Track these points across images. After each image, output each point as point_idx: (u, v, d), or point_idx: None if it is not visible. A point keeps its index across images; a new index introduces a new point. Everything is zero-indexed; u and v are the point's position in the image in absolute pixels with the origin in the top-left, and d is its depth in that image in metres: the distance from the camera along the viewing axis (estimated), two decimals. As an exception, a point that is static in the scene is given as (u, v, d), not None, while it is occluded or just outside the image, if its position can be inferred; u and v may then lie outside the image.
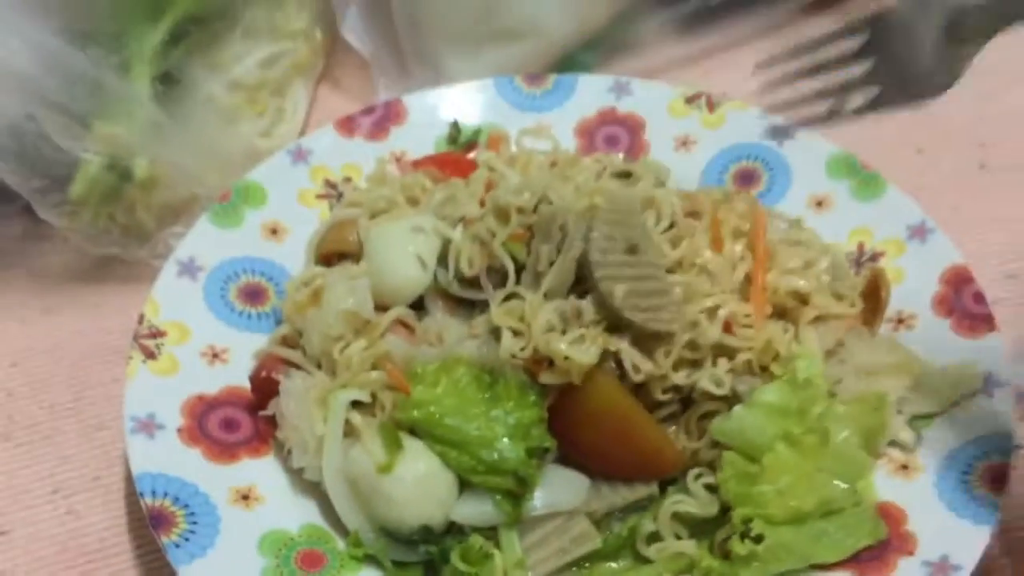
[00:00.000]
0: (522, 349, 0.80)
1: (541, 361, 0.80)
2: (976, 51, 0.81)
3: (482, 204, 0.91)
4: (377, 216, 0.96)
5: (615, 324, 0.80)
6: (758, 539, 0.75)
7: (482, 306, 0.87)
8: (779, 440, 0.78)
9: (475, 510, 0.80)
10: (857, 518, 0.79)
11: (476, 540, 0.78)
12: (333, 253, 0.95)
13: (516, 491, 0.79)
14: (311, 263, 0.96)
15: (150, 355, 0.89)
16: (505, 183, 0.93)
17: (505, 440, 0.79)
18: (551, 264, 0.82)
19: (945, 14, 0.81)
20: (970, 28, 0.80)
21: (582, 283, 0.82)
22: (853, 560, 0.78)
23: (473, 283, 0.87)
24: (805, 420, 0.80)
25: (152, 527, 0.77)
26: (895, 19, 0.86)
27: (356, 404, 0.84)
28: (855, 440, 0.82)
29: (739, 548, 0.75)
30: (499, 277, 0.86)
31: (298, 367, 0.88)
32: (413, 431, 0.82)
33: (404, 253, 0.89)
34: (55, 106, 0.96)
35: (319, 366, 0.88)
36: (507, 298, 0.83)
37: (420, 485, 0.79)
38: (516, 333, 0.81)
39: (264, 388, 0.88)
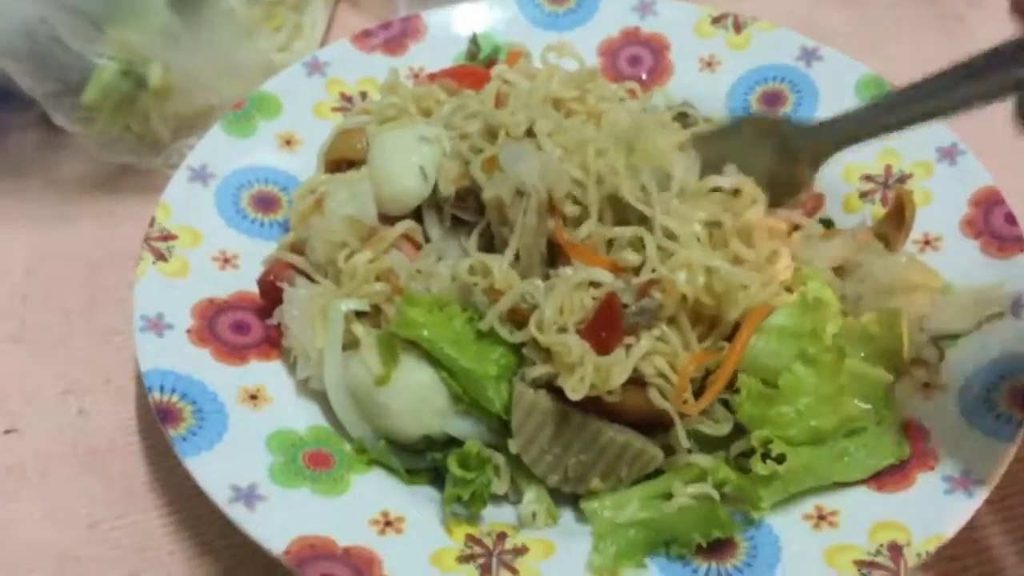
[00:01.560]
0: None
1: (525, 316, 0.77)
2: (815, 171, 0.85)
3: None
4: (386, 124, 0.94)
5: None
6: (779, 459, 0.73)
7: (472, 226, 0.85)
8: (795, 361, 0.76)
9: (468, 427, 0.79)
10: (879, 437, 0.77)
11: (473, 445, 0.77)
12: (341, 160, 0.94)
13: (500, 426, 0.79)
14: (319, 171, 0.95)
15: (160, 257, 0.88)
16: (514, 96, 0.90)
17: (492, 380, 0.77)
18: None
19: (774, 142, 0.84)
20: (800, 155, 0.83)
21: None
22: (873, 475, 0.76)
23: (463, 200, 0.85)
24: (820, 340, 0.77)
25: (160, 421, 0.77)
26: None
27: (358, 315, 0.83)
28: (873, 358, 0.80)
29: (760, 468, 0.73)
30: (477, 203, 0.83)
31: (304, 274, 0.87)
32: (412, 344, 0.80)
33: (406, 162, 0.86)
34: (69, 8, 0.94)
35: (325, 275, 0.87)
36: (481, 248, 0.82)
37: (418, 396, 0.78)
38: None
39: (271, 293, 0.87)
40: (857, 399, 0.78)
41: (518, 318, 0.76)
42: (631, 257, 0.77)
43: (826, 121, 0.84)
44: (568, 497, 0.79)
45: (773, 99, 1.04)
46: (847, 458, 0.75)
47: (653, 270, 0.75)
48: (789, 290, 0.81)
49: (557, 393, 0.76)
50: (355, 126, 0.95)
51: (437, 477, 0.80)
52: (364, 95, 1.05)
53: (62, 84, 0.98)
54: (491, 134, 0.85)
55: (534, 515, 0.77)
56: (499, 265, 0.77)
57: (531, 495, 0.78)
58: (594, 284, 0.76)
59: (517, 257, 0.78)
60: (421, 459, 0.80)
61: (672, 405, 0.75)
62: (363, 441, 0.79)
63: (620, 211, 0.79)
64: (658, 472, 0.79)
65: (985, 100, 0.69)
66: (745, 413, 0.75)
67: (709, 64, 1.07)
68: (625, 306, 0.74)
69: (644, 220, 0.78)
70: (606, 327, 0.73)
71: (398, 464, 0.78)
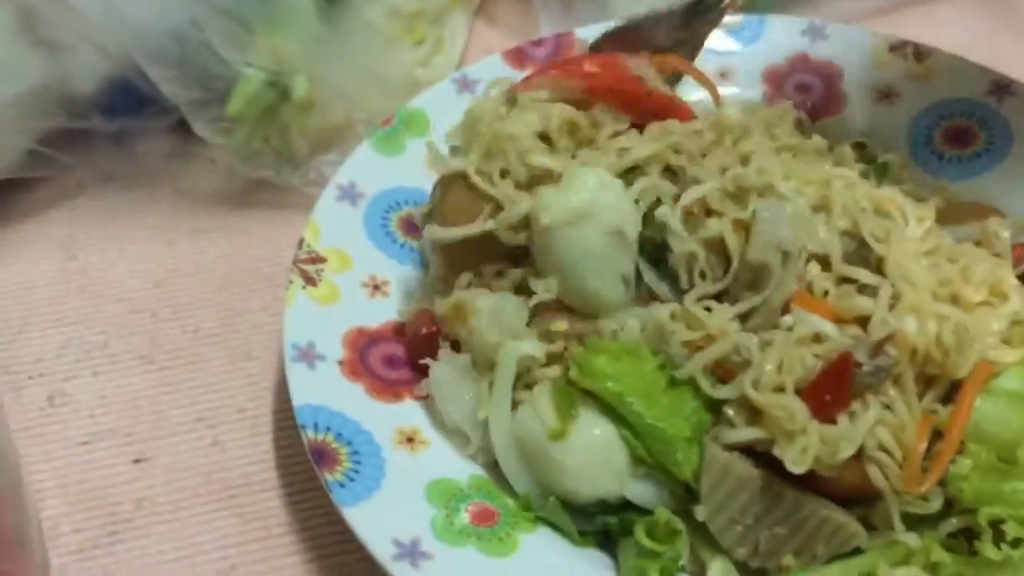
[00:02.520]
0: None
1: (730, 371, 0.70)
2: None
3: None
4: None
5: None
6: (1016, 543, 0.65)
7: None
8: None
9: (649, 492, 0.72)
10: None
11: (663, 514, 0.70)
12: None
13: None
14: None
15: (310, 281, 0.82)
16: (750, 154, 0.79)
17: (684, 442, 0.70)
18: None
19: None
20: None
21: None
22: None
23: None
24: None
25: (315, 463, 0.71)
26: None
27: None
28: None
29: (991, 553, 0.65)
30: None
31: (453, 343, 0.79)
32: (591, 396, 0.73)
33: (604, 271, 0.74)
34: (222, 10, 0.90)
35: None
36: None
37: (595, 455, 0.71)
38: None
39: (423, 349, 0.79)
40: None
41: (723, 373, 0.69)
42: (861, 304, 0.69)
43: None
44: (753, 571, 0.71)
45: (960, 136, 0.96)
46: (1087, 546, 0.66)
47: (885, 321, 0.67)
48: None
49: (754, 458, 0.68)
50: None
51: (606, 540, 0.73)
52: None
53: (207, 92, 0.94)
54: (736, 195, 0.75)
55: None
56: (723, 316, 0.69)
57: (717, 567, 0.70)
58: (817, 338, 0.68)
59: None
60: (591, 521, 0.72)
61: (895, 484, 0.66)
62: (529, 498, 0.72)
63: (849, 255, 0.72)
64: (855, 551, 0.71)
65: None
66: (971, 488, 0.67)
67: (887, 96, 1.00)
68: (858, 365, 0.66)
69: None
70: (833, 390, 0.65)
71: (569, 524, 0.71)
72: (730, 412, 0.68)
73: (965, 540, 0.69)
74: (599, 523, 0.72)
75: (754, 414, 0.68)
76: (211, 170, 1.05)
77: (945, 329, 0.68)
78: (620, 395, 0.69)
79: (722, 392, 0.69)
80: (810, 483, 0.68)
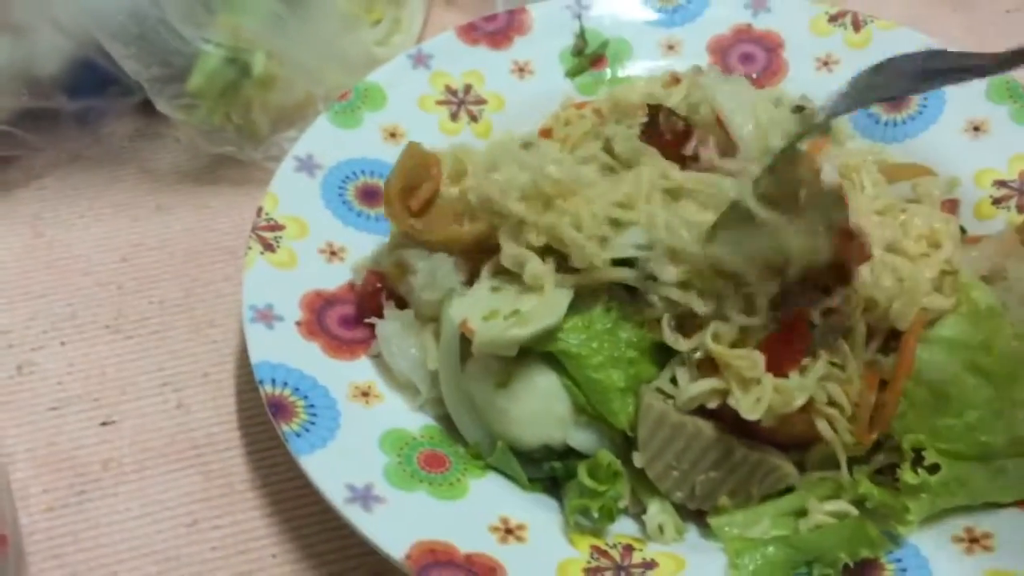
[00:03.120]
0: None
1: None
2: None
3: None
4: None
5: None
6: (932, 469, 0.68)
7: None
8: (966, 372, 0.71)
9: (590, 439, 0.75)
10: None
11: (604, 456, 0.73)
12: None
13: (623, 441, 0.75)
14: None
15: (268, 247, 0.85)
16: None
17: (619, 392, 0.73)
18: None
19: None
20: None
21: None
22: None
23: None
24: (992, 352, 0.72)
25: (272, 416, 0.74)
26: None
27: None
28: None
29: (910, 477, 0.69)
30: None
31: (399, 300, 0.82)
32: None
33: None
34: (179, -11, 0.92)
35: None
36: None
37: (538, 403, 0.74)
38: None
39: (369, 306, 0.83)
40: None
41: (688, 327, 0.72)
42: None
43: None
44: (691, 511, 0.75)
45: (897, 102, 0.99)
46: (1003, 477, 0.70)
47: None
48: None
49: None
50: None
51: (553, 486, 0.76)
52: (469, 88, 1.02)
53: (168, 69, 0.96)
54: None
55: (661, 528, 0.72)
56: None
57: (655, 508, 0.73)
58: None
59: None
60: (538, 468, 0.76)
61: (843, 436, 0.70)
62: (480, 446, 0.76)
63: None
64: (787, 489, 0.74)
65: None
66: (907, 424, 0.70)
67: (826, 64, 1.03)
68: (813, 325, 0.69)
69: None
70: (788, 347, 0.69)
71: (518, 469, 0.74)
72: (682, 367, 0.71)
73: (891, 475, 0.72)
74: (546, 469, 0.75)
75: (706, 368, 0.71)
76: (175, 148, 1.08)
77: (894, 281, 0.71)
78: (563, 348, 0.72)
79: (683, 345, 0.72)
80: (745, 430, 0.71)
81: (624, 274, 0.74)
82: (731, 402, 0.70)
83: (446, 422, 0.78)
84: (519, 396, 0.74)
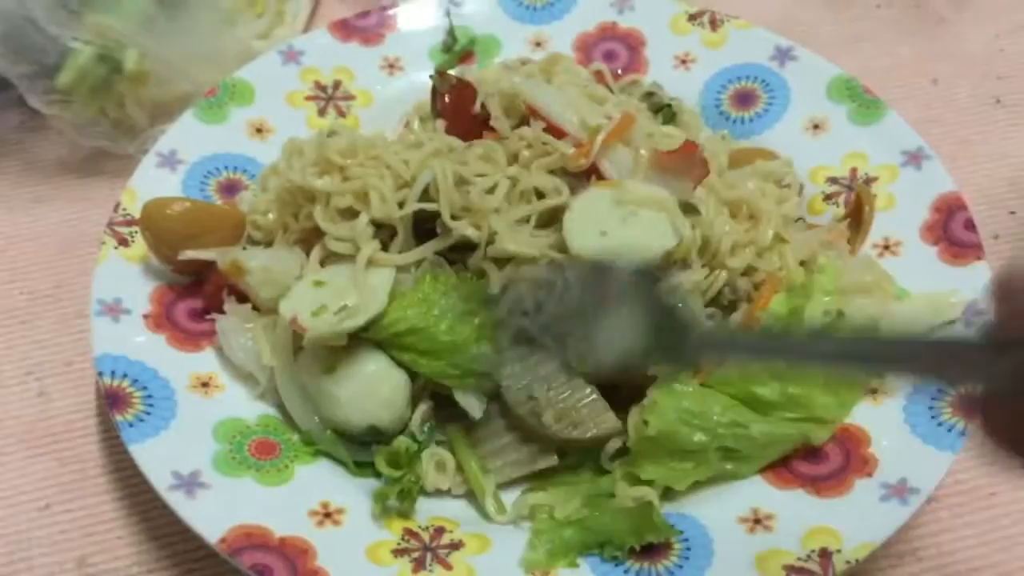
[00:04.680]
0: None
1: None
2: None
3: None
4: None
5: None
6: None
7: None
8: None
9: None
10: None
11: (402, 443, 0.78)
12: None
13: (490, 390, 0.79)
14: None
15: (123, 242, 0.89)
16: None
17: (475, 342, 0.78)
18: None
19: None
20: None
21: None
22: (810, 480, 0.77)
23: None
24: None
25: (108, 406, 0.78)
26: None
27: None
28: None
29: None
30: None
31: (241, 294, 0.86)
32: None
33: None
34: (45, -9, 0.95)
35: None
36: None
37: (365, 385, 0.79)
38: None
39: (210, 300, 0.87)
40: (824, 389, 0.78)
41: None
42: None
43: (717, 328, 0.77)
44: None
45: (745, 98, 1.04)
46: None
47: None
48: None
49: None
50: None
51: (383, 470, 0.81)
52: (338, 84, 1.05)
53: (37, 66, 0.99)
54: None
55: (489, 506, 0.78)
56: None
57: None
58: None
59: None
60: (367, 451, 0.80)
61: None
62: (311, 432, 0.80)
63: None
64: (603, 472, 0.79)
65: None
66: None
67: (684, 61, 1.07)
68: None
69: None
70: None
71: (344, 454, 0.79)
72: None
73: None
74: (374, 451, 0.80)
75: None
76: (58, 141, 1.11)
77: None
78: (405, 329, 0.78)
79: None
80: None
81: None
82: None
83: (283, 411, 0.83)
84: (346, 380, 0.79)
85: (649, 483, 0.75)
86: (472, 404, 0.79)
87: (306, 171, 0.84)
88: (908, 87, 1.13)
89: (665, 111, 1.00)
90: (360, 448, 0.80)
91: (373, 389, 0.78)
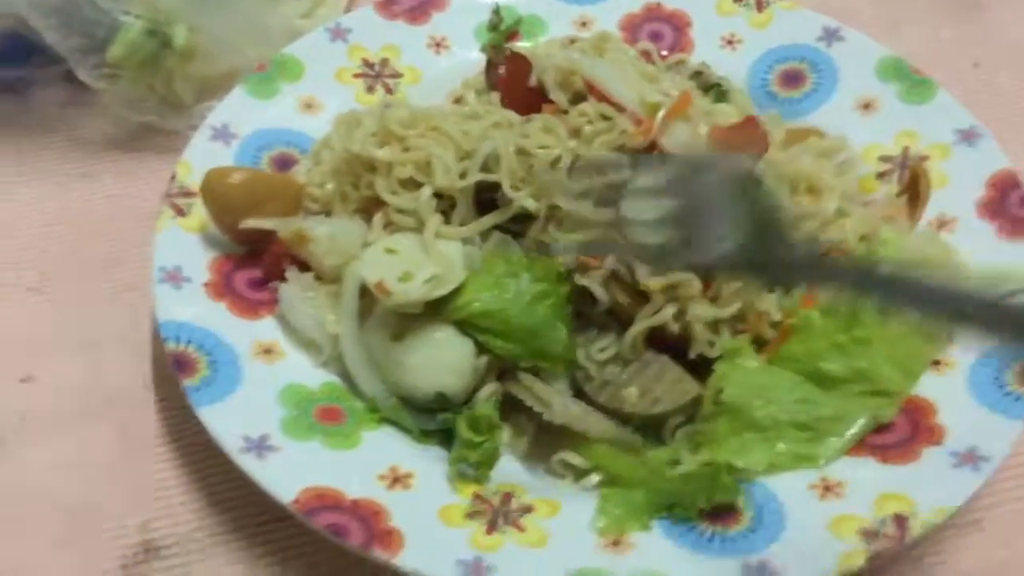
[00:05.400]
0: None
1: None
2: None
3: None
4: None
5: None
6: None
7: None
8: (816, 311, 0.78)
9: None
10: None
11: (484, 408, 0.78)
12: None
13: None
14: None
15: (180, 213, 0.89)
16: None
17: (548, 324, 0.78)
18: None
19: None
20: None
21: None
22: (880, 448, 0.77)
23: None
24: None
25: (175, 370, 0.78)
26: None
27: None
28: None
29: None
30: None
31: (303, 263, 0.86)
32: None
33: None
34: (97, -37, 0.95)
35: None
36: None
37: (433, 352, 0.79)
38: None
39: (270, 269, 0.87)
40: (890, 362, 0.78)
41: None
42: None
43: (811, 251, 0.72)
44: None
45: (793, 79, 1.04)
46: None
47: None
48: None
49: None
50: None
51: (447, 439, 0.80)
52: (386, 62, 1.05)
53: (88, 40, 0.99)
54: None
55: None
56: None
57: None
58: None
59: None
60: (432, 420, 0.80)
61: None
62: (376, 399, 0.80)
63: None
64: (660, 441, 0.80)
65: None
66: None
67: (730, 42, 1.07)
68: None
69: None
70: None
71: (410, 421, 0.79)
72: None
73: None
74: (440, 421, 0.80)
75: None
76: (103, 117, 1.10)
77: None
78: (480, 310, 0.79)
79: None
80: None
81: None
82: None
83: (347, 379, 0.83)
84: (415, 347, 0.79)
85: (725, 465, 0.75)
86: (548, 392, 0.79)
87: (366, 141, 0.84)
88: (950, 71, 1.13)
89: (715, 90, 1.00)
90: (426, 416, 0.80)
91: (441, 356, 0.78)
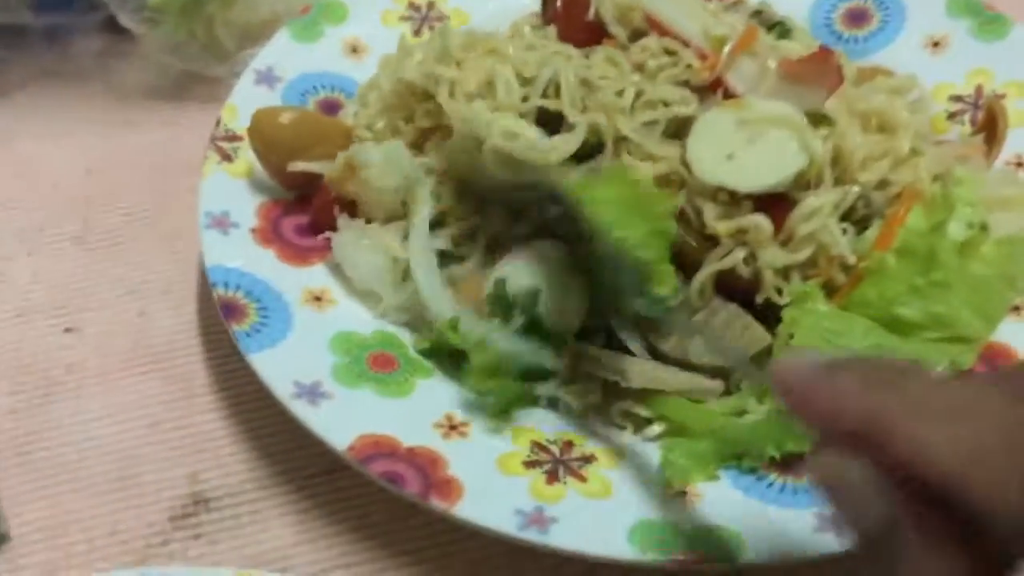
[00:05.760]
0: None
1: None
2: None
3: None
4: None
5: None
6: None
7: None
8: (893, 252, 0.74)
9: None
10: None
11: (492, 353, 0.73)
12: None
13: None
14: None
15: (226, 157, 0.86)
16: None
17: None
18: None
19: None
20: None
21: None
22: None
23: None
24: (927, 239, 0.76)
25: (224, 316, 0.76)
26: None
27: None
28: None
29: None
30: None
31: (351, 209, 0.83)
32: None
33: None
34: (137, -98, 0.92)
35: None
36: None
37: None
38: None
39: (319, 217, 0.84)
40: (969, 307, 0.74)
41: None
42: None
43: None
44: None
45: (858, 17, 1.00)
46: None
47: None
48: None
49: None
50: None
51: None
52: (432, 4, 1.02)
53: (128, -17, 0.97)
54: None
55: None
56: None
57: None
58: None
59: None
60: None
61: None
62: (454, 320, 0.76)
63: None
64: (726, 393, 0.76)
65: None
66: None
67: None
68: None
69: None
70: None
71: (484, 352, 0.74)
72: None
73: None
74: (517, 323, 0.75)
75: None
76: (143, 65, 1.08)
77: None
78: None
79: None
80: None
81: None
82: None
83: (409, 326, 0.80)
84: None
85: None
86: (618, 359, 0.76)
87: (423, 64, 0.80)
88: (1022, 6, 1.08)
89: (779, 27, 0.96)
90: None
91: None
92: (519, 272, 0.75)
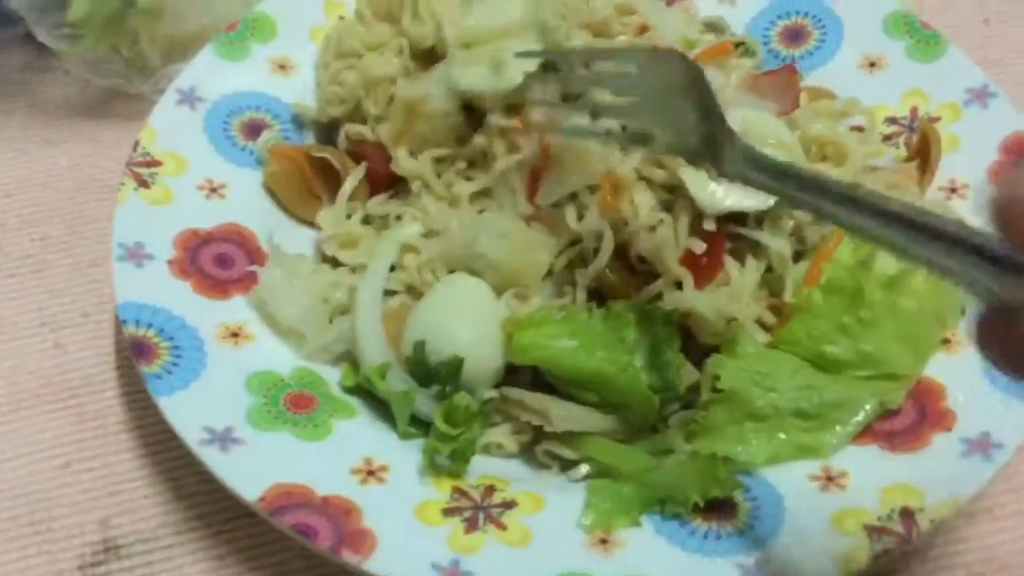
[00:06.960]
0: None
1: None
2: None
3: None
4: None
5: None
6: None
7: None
8: (819, 289, 0.73)
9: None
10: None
11: (462, 399, 0.72)
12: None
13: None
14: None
15: (143, 184, 0.83)
16: None
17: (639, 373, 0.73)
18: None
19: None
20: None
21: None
22: (886, 435, 0.72)
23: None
24: (853, 276, 0.74)
25: (134, 356, 0.73)
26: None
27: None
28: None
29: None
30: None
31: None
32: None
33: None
34: (53, -82, 0.89)
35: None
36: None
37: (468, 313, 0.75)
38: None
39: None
40: (898, 343, 0.73)
41: None
42: None
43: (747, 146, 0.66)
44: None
45: (795, 35, 0.98)
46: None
47: None
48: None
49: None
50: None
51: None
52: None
53: (46, -2, 0.93)
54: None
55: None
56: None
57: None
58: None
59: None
60: (429, 401, 0.74)
61: None
62: (383, 367, 0.74)
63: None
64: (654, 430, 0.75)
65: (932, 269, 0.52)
66: None
67: (730, -2, 1.01)
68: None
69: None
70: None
71: (405, 402, 0.73)
72: None
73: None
74: (435, 392, 0.74)
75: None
76: (66, 81, 1.05)
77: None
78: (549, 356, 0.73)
79: None
80: None
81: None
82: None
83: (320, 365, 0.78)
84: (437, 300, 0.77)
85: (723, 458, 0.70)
86: (542, 401, 0.74)
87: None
88: (959, 26, 1.08)
89: (743, 47, 0.94)
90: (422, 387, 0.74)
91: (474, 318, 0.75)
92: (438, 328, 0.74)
